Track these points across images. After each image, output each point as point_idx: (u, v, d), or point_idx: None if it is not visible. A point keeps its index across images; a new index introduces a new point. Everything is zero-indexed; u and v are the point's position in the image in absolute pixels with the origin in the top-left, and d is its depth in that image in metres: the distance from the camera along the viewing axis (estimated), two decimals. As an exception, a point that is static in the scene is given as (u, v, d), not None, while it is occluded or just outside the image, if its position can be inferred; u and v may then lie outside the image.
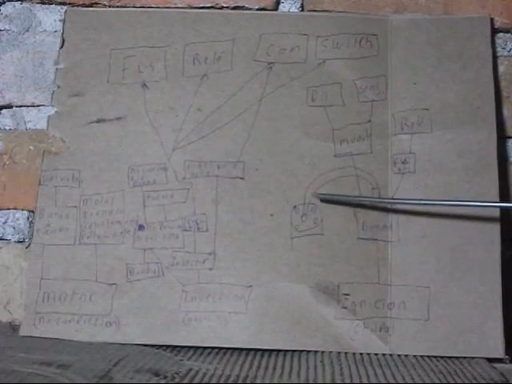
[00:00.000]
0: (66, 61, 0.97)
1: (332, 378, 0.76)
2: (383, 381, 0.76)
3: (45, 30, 1.01)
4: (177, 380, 0.74)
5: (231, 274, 0.90)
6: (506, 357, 0.86)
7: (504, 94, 0.97)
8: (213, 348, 0.88)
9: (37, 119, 1.00)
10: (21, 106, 1.01)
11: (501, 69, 0.97)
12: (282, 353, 0.87)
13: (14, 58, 1.01)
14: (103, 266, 0.91)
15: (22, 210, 0.99)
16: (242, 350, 0.87)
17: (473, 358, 0.86)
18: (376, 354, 0.87)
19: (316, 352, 0.87)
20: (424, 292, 0.89)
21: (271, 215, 0.92)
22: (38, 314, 0.90)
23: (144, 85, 0.96)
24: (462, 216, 0.90)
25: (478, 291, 0.88)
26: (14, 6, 1.01)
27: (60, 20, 1.00)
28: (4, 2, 1.01)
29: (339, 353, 0.87)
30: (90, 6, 1.00)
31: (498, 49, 0.98)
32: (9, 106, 1.01)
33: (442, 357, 0.86)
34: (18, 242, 0.99)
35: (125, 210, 0.92)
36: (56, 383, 0.71)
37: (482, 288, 0.89)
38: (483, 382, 0.76)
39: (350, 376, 0.77)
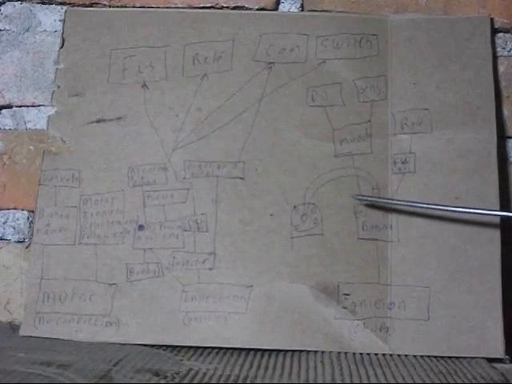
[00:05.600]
0: (66, 61, 0.97)
1: (332, 378, 0.76)
2: (383, 381, 0.76)
3: (45, 30, 1.01)
4: (177, 380, 0.74)
5: (231, 274, 0.90)
6: (506, 357, 0.86)
7: (504, 94, 0.97)
8: (213, 348, 0.88)
9: (37, 119, 1.00)
10: (21, 106, 1.01)
11: (501, 69, 0.97)
12: (282, 353, 0.87)
13: (14, 57, 1.01)
14: (103, 266, 0.91)
15: (22, 210, 0.99)
16: (242, 349, 0.87)
17: (473, 358, 0.86)
18: (376, 354, 0.87)
19: (316, 352, 0.87)
20: (424, 292, 0.89)
21: (271, 215, 0.92)
22: (38, 314, 0.90)
23: (144, 85, 0.96)
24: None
25: (478, 291, 0.88)
26: (14, 5, 1.01)
27: (60, 20, 1.00)
28: (4, 2, 1.01)
29: (339, 353, 0.87)
30: (90, 5, 1.00)
31: (498, 49, 0.98)
32: (9, 106, 1.01)
33: (442, 357, 0.86)
34: (18, 242, 0.99)
35: (125, 210, 0.92)
36: (56, 383, 0.71)
37: (482, 288, 0.89)
38: (483, 382, 0.76)
39: (350, 376, 0.77)
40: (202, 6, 0.99)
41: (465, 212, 0.88)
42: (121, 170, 0.93)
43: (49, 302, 0.90)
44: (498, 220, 0.90)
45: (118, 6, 0.99)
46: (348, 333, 0.88)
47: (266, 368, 0.80)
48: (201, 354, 0.85)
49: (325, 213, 0.91)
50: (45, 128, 0.98)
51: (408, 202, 0.90)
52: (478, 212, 0.88)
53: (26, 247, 0.98)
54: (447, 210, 0.89)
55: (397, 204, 0.90)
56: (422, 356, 0.86)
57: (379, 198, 0.90)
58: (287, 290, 0.89)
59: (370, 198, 0.90)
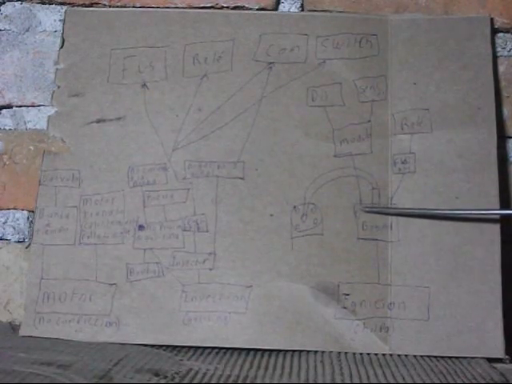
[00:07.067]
0: (66, 61, 0.97)
1: (332, 378, 0.76)
2: (383, 381, 0.76)
3: (45, 30, 1.01)
4: (177, 380, 0.74)
5: (231, 274, 0.90)
6: (506, 357, 0.86)
7: (504, 94, 0.97)
8: (213, 348, 0.88)
9: (37, 119, 1.00)
10: (21, 106, 1.01)
11: (501, 69, 0.97)
12: (282, 353, 0.87)
13: (14, 57, 1.01)
14: (103, 266, 0.91)
15: (22, 210, 0.99)
16: (242, 349, 0.87)
17: (473, 357, 0.86)
18: (376, 354, 0.87)
19: (316, 352, 0.87)
20: (424, 292, 0.89)
21: (271, 215, 0.92)
22: (38, 314, 0.90)
23: (144, 85, 0.96)
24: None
25: (478, 291, 0.88)
26: (14, 5, 1.01)
27: (60, 20, 1.00)
28: (4, 2, 1.01)
29: (339, 353, 0.87)
30: (90, 5, 1.00)
31: (498, 49, 0.98)
32: (9, 106, 1.01)
33: (442, 357, 0.86)
34: (18, 241, 0.99)
35: (125, 210, 0.92)
36: (56, 383, 0.71)
37: (482, 288, 0.89)
38: (483, 382, 0.76)
39: (350, 376, 0.77)
40: (202, 6, 0.99)
41: (465, 213, 0.89)
42: (121, 170, 0.93)
43: (49, 302, 0.90)
44: (497, 220, 0.90)
45: (117, 6, 0.99)
46: (348, 333, 0.88)
47: (266, 368, 0.80)
48: (201, 354, 0.85)
49: (325, 213, 0.91)
50: (45, 128, 0.98)
51: (408, 208, 0.90)
52: (477, 212, 0.89)
53: (26, 247, 0.98)
54: (446, 213, 0.89)
55: (398, 210, 0.90)
56: (422, 356, 0.86)
57: (382, 207, 0.91)
58: (287, 290, 0.89)
59: (374, 209, 0.91)
